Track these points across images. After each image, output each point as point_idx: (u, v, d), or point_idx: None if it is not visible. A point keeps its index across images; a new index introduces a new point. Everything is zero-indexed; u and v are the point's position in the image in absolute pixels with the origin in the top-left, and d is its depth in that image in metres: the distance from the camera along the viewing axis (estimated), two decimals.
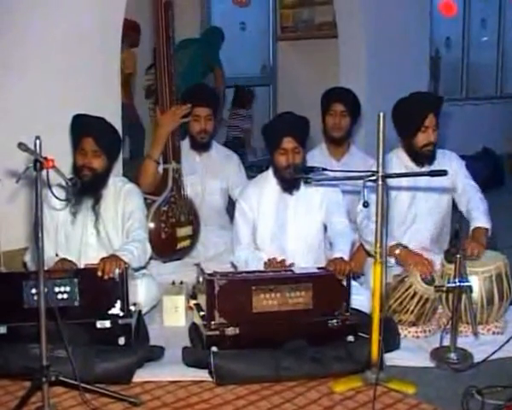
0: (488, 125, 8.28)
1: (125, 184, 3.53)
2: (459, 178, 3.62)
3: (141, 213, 3.51)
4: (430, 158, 3.55)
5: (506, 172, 7.72)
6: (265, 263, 3.41)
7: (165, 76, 3.98)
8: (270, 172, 3.63)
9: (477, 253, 3.29)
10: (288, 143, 3.43)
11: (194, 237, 4.08)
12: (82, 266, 3.27)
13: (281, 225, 3.59)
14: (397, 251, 3.40)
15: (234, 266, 3.74)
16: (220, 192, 4.26)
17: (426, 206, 3.65)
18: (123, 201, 3.46)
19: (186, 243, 4.04)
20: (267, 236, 3.60)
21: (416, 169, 3.57)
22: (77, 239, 3.43)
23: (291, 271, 3.21)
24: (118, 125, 3.97)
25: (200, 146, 4.20)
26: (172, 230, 3.98)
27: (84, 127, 3.35)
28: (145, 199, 3.72)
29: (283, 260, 3.39)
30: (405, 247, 3.43)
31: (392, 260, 3.44)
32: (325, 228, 3.64)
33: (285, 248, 3.56)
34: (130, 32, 6.51)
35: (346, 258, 3.29)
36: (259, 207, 3.60)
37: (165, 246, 3.95)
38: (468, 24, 8.90)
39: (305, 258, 3.54)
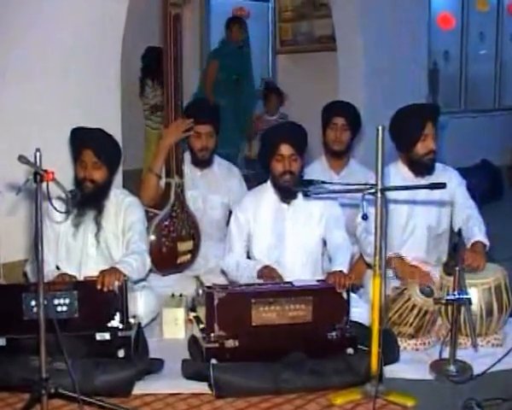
0: (487, 138, 8.30)
1: (127, 197, 3.54)
2: (458, 196, 3.63)
3: (141, 226, 3.51)
4: (430, 168, 3.56)
5: (505, 184, 7.73)
6: (259, 271, 3.40)
7: (172, 90, 3.98)
8: (268, 183, 3.64)
9: (477, 265, 3.29)
10: (285, 149, 3.45)
11: (194, 251, 4.07)
12: (82, 279, 3.28)
13: (278, 237, 3.59)
14: (394, 263, 3.42)
15: (223, 272, 3.74)
16: (221, 206, 4.26)
17: (424, 218, 3.66)
18: (124, 213, 3.47)
19: (186, 257, 4.04)
20: (264, 247, 3.60)
21: (415, 181, 3.58)
22: (77, 251, 3.44)
23: (290, 284, 3.21)
24: (118, 135, 3.98)
25: (202, 162, 4.21)
26: (173, 244, 3.97)
27: (83, 140, 3.37)
28: (147, 212, 3.73)
29: (275, 270, 3.38)
30: (402, 258, 3.44)
31: (390, 272, 3.45)
32: (324, 242, 3.64)
33: (283, 260, 3.56)
34: None
35: (346, 271, 3.29)
36: (256, 218, 3.61)
37: (166, 260, 3.94)
38: (466, 37, 8.94)
39: (303, 270, 3.54)
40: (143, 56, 6.63)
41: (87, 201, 3.32)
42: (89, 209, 3.40)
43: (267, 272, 3.38)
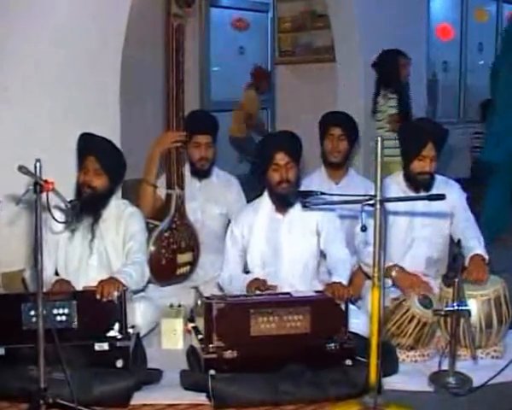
0: None
1: (128, 207, 3.55)
2: (458, 209, 3.63)
3: (141, 237, 3.53)
4: (426, 186, 3.56)
5: None
6: (250, 282, 3.40)
7: (173, 100, 3.98)
8: (265, 196, 3.63)
9: (482, 278, 3.28)
10: (281, 158, 3.45)
11: (193, 263, 4.06)
12: (81, 287, 3.28)
13: (274, 248, 3.58)
14: (393, 273, 3.43)
15: (219, 286, 3.74)
16: (219, 217, 4.26)
17: (423, 231, 3.65)
18: (125, 223, 3.48)
19: (186, 269, 4.02)
20: (259, 259, 3.59)
21: (415, 194, 3.58)
22: (75, 258, 3.45)
23: (289, 294, 3.21)
24: (117, 145, 3.98)
25: (201, 173, 4.21)
26: (173, 256, 3.96)
27: (88, 146, 3.40)
28: (147, 224, 3.72)
29: (265, 282, 3.38)
30: (401, 268, 3.45)
31: (389, 281, 3.44)
32: (323, 255, 3.64)
33: (279, 272, 3.55)
34: (263, 81, 7.81)
35: (345, 283, 3.29)
36: (251, 232, 3.59)
37: (165, 272, 3.92)
38: (465, 47, 8.98)
39: (299, 281, 3.54)
40: (376, 64, 5.81)
41: (84, 207, 3.31)
42: (86, 216, 3.40)
43: (254, 284, 3.37)
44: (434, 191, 3.52)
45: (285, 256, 3.57)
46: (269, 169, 3.49)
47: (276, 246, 3.58)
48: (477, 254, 3.41)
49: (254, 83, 7.91)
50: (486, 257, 3.43)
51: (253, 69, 8.02)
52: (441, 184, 3.61)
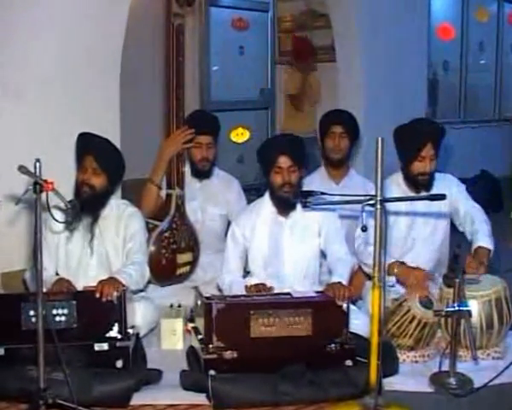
0: (486, 148, 8.30)
1: (128, 207, 3.55)
2: (460, 202, 3.63)
3: (141, 237, 3.53)
4: (426, 186, 3.56)
5: (505, 195, 7.73)
6: (246, 287, 3.40)
7: (173, 100, 3.97)
8: (266, 197, 3.62)
9: (477, 271, 3.29)
10: (284, 161, 3.45)
11: (193, 263, 4.06)
12: (80, 287, 3.28)
13: (276, 251, 3.57)
14: (395, 269, 3.43)
15: (219, 287, 3.74)
16: (220, 218, 4.26)
17: (424, 231, 3.66)
18: (125, 223, 3.48)
19: (186, 269, 4.03)
20: (260, 261, 3.59)
21: (414, 195, 3.58)
22: (75, 258, 3.45)
23: (289, 294, 3.20)
24: (117, 145, 3.97)
25: (201, 173, 4.20)
26: (173, 256, 3.96)
27: (86, 145, 3.40)
28: (147, 224, 3.72)
29: (263, 285, 3.38)
30: (403, 263, 3.45)
31: (391, 279, 3.44)
32: (323, 254, 3.64)
33: (280, 274, 3.55)
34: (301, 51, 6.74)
35: (345, 283, 3.29)
36: (253, 233, 3.59)
37: (165, 272, 3.93)
38: (466, 47, 8.95)
39: (301, 282, 3.54)
40: None
41: (83, 206, 3.31)
42: (85, 215, 3.39)
43: (254, 289, 3.37)
44: (434, 189, 3.53)
45: (287, 258, 3.57)
46: (271, 172, 3.49)
47: (278, 248, 3.57)
48: (480, 247, 3.43)
49: (292, 56, 6.94)
50: (491, 247, 3.44)
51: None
52: (439, 181, 3.61)
